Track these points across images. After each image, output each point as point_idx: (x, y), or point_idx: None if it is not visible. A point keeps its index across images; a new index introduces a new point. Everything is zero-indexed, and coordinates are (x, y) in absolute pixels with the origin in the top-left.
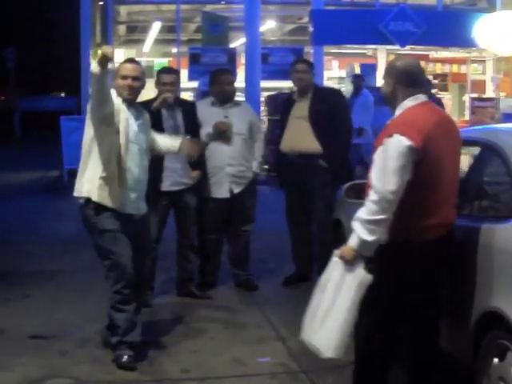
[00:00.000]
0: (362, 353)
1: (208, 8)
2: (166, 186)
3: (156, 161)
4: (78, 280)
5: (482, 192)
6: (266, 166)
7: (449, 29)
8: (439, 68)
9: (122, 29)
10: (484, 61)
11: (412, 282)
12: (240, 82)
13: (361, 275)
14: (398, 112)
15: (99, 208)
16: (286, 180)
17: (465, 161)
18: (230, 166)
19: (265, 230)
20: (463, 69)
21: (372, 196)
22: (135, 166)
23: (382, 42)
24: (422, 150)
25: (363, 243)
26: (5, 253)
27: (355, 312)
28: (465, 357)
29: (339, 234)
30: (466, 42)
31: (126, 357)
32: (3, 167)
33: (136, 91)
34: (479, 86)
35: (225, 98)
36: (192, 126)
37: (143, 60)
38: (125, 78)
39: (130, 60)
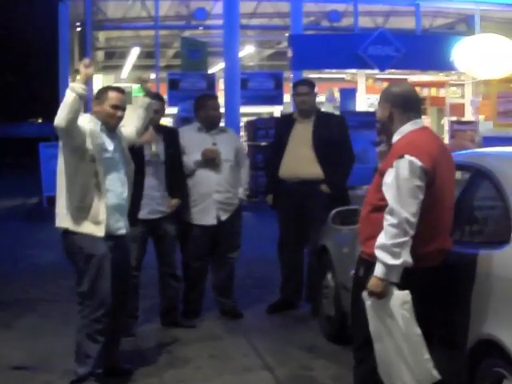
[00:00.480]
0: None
1: (186, 33)
2: (144, 214)
3: (135, 189)
4: (61, 309)
5: (475, 217)
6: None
7: (428, 52)
8: (417, 92)
9: (100, 55)
10: (463, 84)
11: (423, 306)
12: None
13: (399, 296)
14: (396, 137)
15: (81, 235)
16: (282, 206)
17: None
18: (218, 193)
19: (248, 256)
20: (442, 92)
21: (391, 220)
22: (115, 190)
23: (361, 66)
24: (431, 171)
25: (390, 268)
26: None
27: (417, 330)
28: None
29: (324, 261)
30: (445, 66)
31: None
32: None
33: (121, 120)
34: (458, 109)
35: (210, 123)
36: (173, 153)
37: (121, 86)
38: (115, 107)
39: (118, 89)
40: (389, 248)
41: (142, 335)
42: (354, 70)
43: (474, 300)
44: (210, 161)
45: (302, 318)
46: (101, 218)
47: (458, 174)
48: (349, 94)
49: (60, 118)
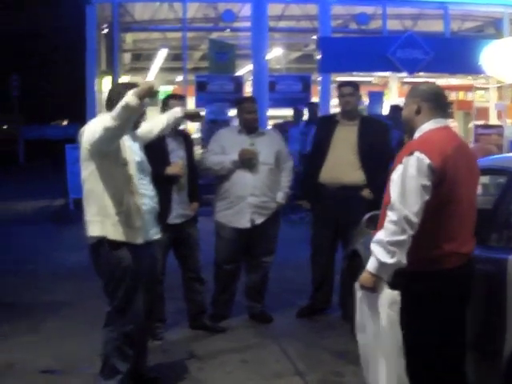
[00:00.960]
0: None
1: (214, 35)
2: (171, 218)
3: (164, 193)
4: (86, 312)
5: None
6: None
7: (456, 56)
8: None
9: (126, 57)
10: (489, 88)
11: (429, 314)
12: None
13: (389, 296)
14: (417, 134)
15: (118, 245)
16: (320, 212)
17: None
18: (253, 196)
19: (278, 260)
20: (469, 96)
21: (391, 216)
22: (148, 194)
23: (389, 69)
24: (440, 170)
25: (382, 266)
26: (12, 284)
27: (399, 335)
28: None
29: (356, 265)
30: (474, 69)
31: None
32: (8, 195)
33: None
34: (485, 113)
35: (246, 126)
36: (191, 158)
37: None
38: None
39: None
40: (385, 245)
41: (169, 339)
42: (381, 73)
43: (509, 306)
44: (247, 161)
45: (333, 323)
46: (138, 225)
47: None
48: (377, 96)
49: (113, 121)
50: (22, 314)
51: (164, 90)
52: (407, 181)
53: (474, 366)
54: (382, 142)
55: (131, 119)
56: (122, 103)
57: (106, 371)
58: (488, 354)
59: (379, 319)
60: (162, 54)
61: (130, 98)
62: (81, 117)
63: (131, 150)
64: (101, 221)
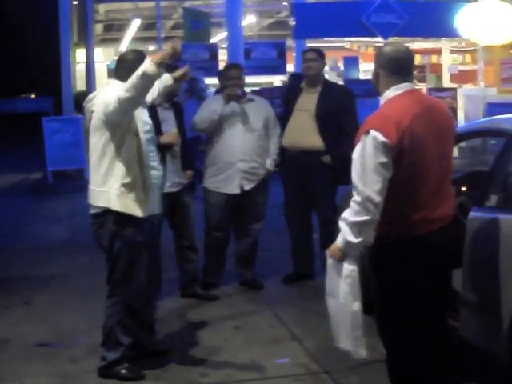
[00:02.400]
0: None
1: (187, 4)
2: (167, 187)
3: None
4: (76, 284)
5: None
6: None
7: (431, 20)
8: (417, 59)
9: (98, 28)
10: (462, 51)
11: (406, 278)
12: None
13: (347, 270)
14: (381, 102)
15: (122, 217)
16: (285, 176)
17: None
18: (242, 162)
19: (267, 227)
20: (445, 59)
21: (355, 197)
22: (154, 165)
23: (364, 34)
24: (398, 146)
25: (348, 244)
26: None
27: (358, 307)
28: (501, 352)
29: None
30: (449, 33)
31: (124, 371)
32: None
33: None
34: (461, 76)
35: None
36: (183, 128)
37: None
38: None
39: None
40: (350, 224)
41: (162, 309)
42: (355, 38)
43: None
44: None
45: (321, 289)
46: (144, 197)
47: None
48: (352, 62)
49: (128, 92)
50: (13, 289)
51: None
52: (365, 160)
53: (476, 326)
54: (343, 107)
55: (148, 89)
56: (138, 72)
57: (108, 343)
58: (490, 313)
59: (340, 290)
60: (135, 24)
61: (147, 65)
62: (52, 89)
63: (141, 120)
64: (106, 191)
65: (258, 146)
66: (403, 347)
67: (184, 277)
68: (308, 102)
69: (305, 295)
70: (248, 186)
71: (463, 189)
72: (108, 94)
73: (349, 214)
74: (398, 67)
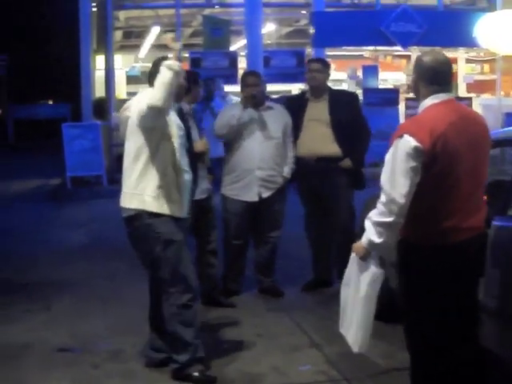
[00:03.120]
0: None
1: (207, 12)
2: (197, 194)
3: (192, 169)
4: (97, 290)
5: None
6: None
7: (450, 29)
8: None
9: (118, 34)
10: (481, 60)
11: (435, 286)
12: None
13: (373, 272)
14: (419, 110)
15: (157, 219)
16: (302, 185)
17: None
18: (260, 170)
19: (288, 234)
20: (461, 68)
21: (381, 198)
22: (186, 168)
23: (383, 43)
24: (430, 151)
25: (372, 244)
26: (18, 264)
27: (372, 308)
28: None
29: None
30: (468, 42)
31: (197, 373)
32: (1, 175)
33: None
34: (478, 85)
35: (247, 100)
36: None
37: (140, 65)
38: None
39: None
40: (373, 224)
41: None
42: (373, 47)
43: None
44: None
45: (338, 296)
46: (179, 199)
47: None
48: (371, 71)
49: (158, 98)
50: (33, 294)
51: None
52: (396, 163)
53: (497, 335)
54: (352, 112)
55: (171, 94)
56: (158, 80)
57: (176, 346)
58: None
59: (360, 287)
60: (154, 32)
61: (163, 73)
62: (70, 96)
63: (174, 123)
64: (140, 193)
65: (276, 154)
66: (430, 354)
67: (206, 284)
68: (318, 111)
69: (324, 302)
70: (266, 194)
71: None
72: (141, 99)
73: (374, 214)
74: (437, 77)
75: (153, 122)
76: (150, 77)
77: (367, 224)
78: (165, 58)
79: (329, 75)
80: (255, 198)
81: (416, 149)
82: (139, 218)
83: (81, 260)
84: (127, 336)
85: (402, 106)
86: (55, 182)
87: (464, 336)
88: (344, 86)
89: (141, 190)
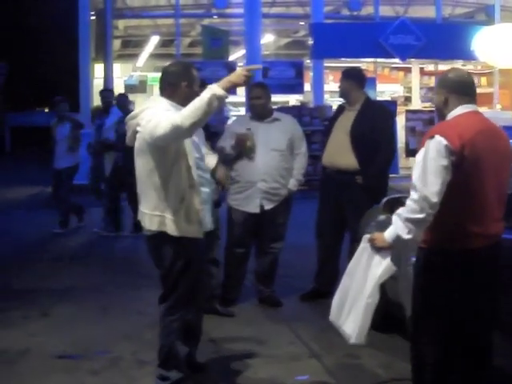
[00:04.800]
0: (418, 364)
1: (206, 22)
2: None
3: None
4: (94, 297)
5: None
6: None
7: (448, 42)
8: (432, 81)
9: (116, 43)
10: (478, 73)
11: (453, 291)
12: (241, 96)
13: (388, 265)
14: (448, 119)
15: (177, 240)
16: (323, 194)
17: None
18: (263, 182)
19: (287, 245)
20: None
21: (413, 195)
22: (203, 181)
23: (382, 55)
24: (459, 152)
25: (398, 239)
26: (15, 271)
27: (376, 300)
28: None
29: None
30: (466, 55)
31: None
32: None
33: None
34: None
35: (253, 112)
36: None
37: (137, 74)
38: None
39: None
40: (403, 220)
41: None
42: (371, 59)
43: None
44: (242, 143)
45: None
46: (198, 218)
47: None
48: (369, 83)
49: (190, 123)
50: (31, 301)
51: (152, 76)
52: (428, 162)
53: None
54: (380, 126)
55: (209, 115)
56: (204, 99)
57: (169, 362)
58: None
59: (368, 278)
60: (153, 41)
61: (208, 99)
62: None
63: (190, 141)
64: (160, 215)
65: (280, 167)
66: (438, 359)
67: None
68: (346, 120)
69: (323, 313)
70: (268, 206)
71: None
72: (156, 114)
73: (404, 211)
74: (468, 89)
75: (173, 142)
76: (167, 85)
77: (396, 220)
78: (189, 66)
79: (354, 84)
80: (257, 210)
81: (447, 147)
82: (161, 238)
83: (79, 267)
84: (127, 343)
85: (399, 119)
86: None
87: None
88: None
89: (160, 211)
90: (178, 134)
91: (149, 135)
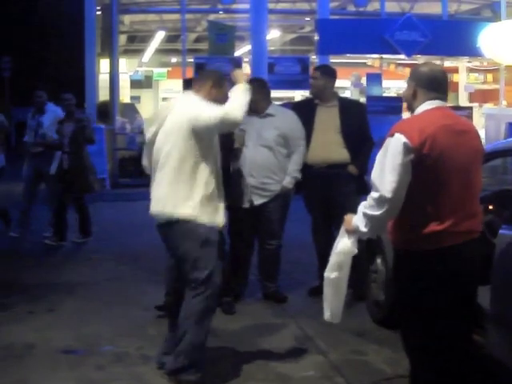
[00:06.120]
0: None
1: (211, 17)
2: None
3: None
4: (100, 292)
5: None
6: None
7: (454, 38)
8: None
9: (122, 38)
10: (484, 70)
11: (429, 290)
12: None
13: (348, 246)
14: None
15: (201, 225)
16: (310, 193)
17: None
18: (251, 177)
19: (292, 241)
20: (462, 78)
21: (372, 193)
22: (223, 176)
23: (387, 51)
24: (419, 150)
25: (357, 230)
26: (22, 265)
27: (341, 276)
28: None
29: (374, 245)
30: (472, 52)
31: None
32: (5, 177)
33: None
34: (481, 95)
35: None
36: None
37: (143, 70)
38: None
39: None
40: (363, 214)
41: None
42: (376, 55)
43: None
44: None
45: (345, 303)
46: (221, 206)
47: None
48: (375, 79)
49: (240, 114)
50: (37, 296)
51: (158, 72)
52: (386, 160)
53: (504, 343)
54: (360, 121)
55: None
56: (240, 98)
57: (193, 361)
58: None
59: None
60: (159, 36)
61: (245, 93)
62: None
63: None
64: (183, 201)
65: (271, 163)
66: (428, 361)
67: None
68: (328, 118)
69: None
70: (259, 202)
71: (489, 207)
72: (198, 107)
73: (364, 206)
74: (436, 85)
75: (211, 134)
76: (199, 81)
77: (359, 211)
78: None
79: (331, 82)
80: (246, 205)
81: (405, 145)
82: (182, 224)
83: (85, 262)
84: (132, 338)
85: (405, 115)
86: None
87: (457, 342)
88: (347, 94)
89: (184, 199)
90: (222, 126)
91: (194, 120)
